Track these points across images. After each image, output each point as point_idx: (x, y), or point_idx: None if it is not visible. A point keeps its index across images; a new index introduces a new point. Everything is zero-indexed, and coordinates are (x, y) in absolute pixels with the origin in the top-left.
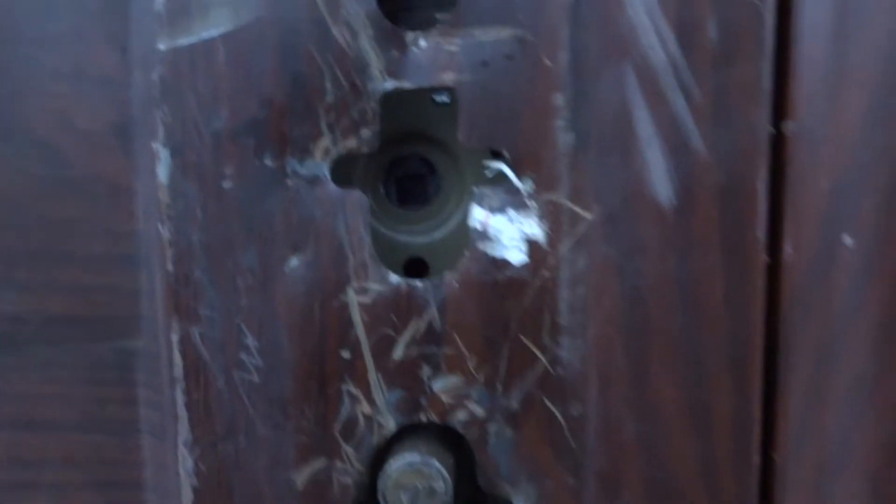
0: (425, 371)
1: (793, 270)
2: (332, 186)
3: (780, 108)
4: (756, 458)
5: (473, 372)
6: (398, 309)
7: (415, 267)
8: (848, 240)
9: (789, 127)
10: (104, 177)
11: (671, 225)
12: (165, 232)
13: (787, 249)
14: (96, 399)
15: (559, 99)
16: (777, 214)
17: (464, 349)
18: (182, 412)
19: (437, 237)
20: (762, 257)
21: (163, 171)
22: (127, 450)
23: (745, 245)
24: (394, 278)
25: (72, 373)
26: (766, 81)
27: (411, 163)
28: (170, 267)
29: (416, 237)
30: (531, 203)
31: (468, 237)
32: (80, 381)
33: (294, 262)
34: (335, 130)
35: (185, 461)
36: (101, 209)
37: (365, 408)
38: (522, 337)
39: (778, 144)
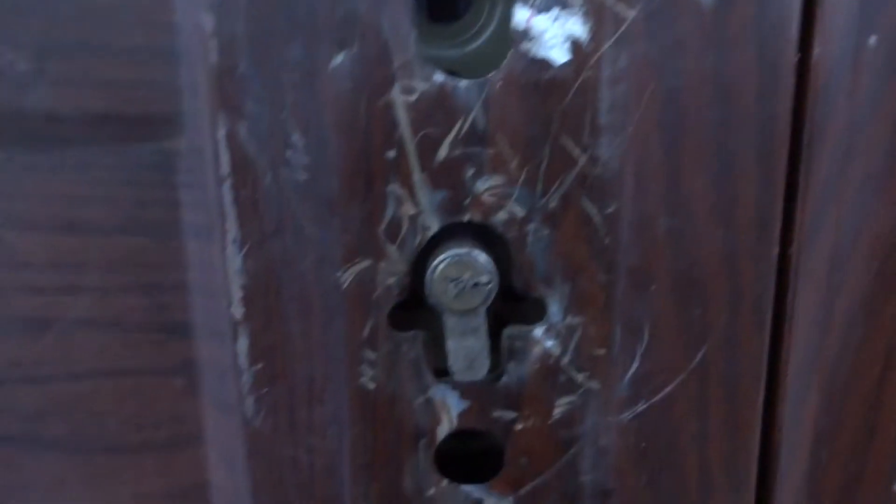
0: (468, 171)
1: (820, 69)
2: None
3: None
4: (775, 250)
5: (515, 172)
6: (443, 108)
7: None
8: (873, 40)
9: None
10: None
11: (710, 23)
12: (208, 22)
13: (817, 48)
14: (138, 200)
15: None
16: (809, 14)
17: (506, 149)
18: (230, 209)
19: (470, 50)
20: (793, 55)
21: None
22: (170, 252)
23: (779, 43)
24: (438, 77)
25: (112, 174)
26: None
27: None
28: (214, 59)
29: (449, 51)
30: (575, 1)
31: (501, 49)
32: (121, 182)
33: (339, 58)
34: None
35: (234, 259)
36: None
37: (409, 208)
38: (563, 137)
39: None
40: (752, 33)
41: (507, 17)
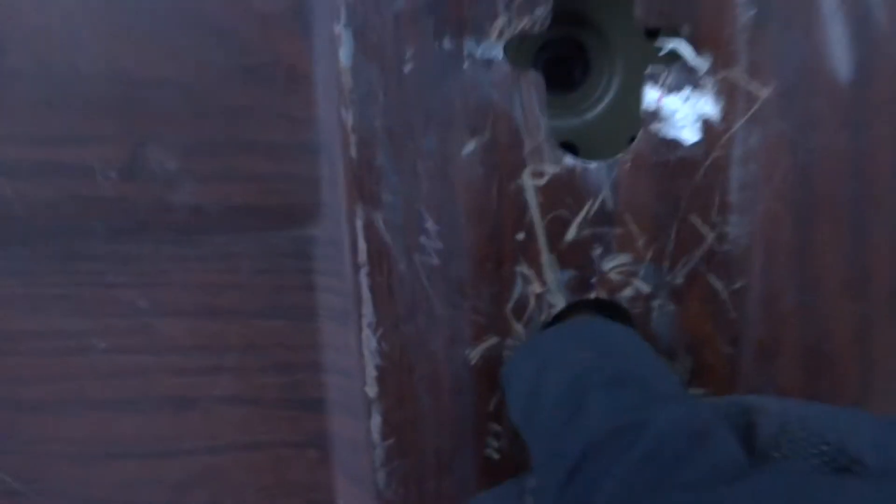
0: (596, 251)
1: None
2: (507, 67)
3: None
4: None
5: (642, 250)
6: (572, 190)
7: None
8: None
9: None
10: (282, 62)
11: (847, 99)
12: (348, 117)
13: None
14: (275, 286)
15: None
16: None
17: (634, 228)
18: (366, 295)
19: (586, 120)
20: None
21: (345, 54)
22: (306, 334)
23: None
24: (569, 160)
25: (251, 262)
26: None
27: (562, 45)
28: (353, 153)
29: (565, 121)
30: (707, 81)
31: (617, 120)
32: (260, 270)
33: (471, 145)
34: (511, 9)
35: (370, 342)
36: (280, 96)
37: (536, 287)
38: (691, 215)
39: None
40: (891, 107)
41: (625, 85)
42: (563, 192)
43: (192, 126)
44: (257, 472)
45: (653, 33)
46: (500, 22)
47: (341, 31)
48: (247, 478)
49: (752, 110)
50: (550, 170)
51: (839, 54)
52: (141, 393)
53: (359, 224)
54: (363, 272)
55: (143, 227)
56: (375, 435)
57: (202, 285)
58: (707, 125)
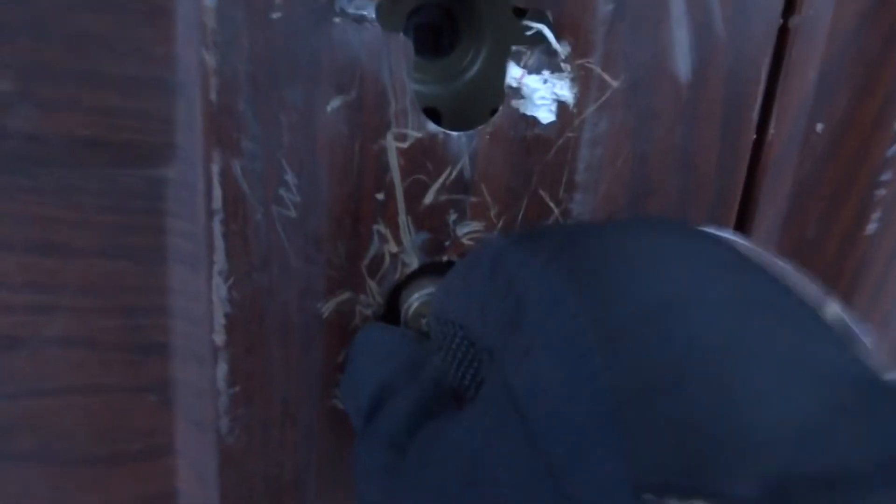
0: (451, 216)
1: (771, 148)
2: (378, 28)
3: (790, 2)
4: None
5: (494, 219)
6: (433, 157)
7: (428, 116)
8: (820, 126)
9: (795, 21)
10: None
11: (684, 98)
12: (210, 59)
13: (771, 130)
14: (121, 226)
15: None
16: (768, 98)
17: (488, 198)
18: (219, 243)
19: (451, 89)
20: (752, 135)
21: None
22: (152, 276)
23: (741, 123)
24: (432, 127)
25: (95, 199)
26: None
27: (433, 12)
28: (213, 96)
29: (430, 87)
30: (565, 66)
31: (481, 91)
32: (105, 207)
33: (337, 102)
34: None
35: (220, 289)
36: (136, 28)
37: (392, 247)
38: (541, 191)
39: (781, 36)
40: (720, 111)
41: (491, 58)
42: (424, 158)
43: (31, 48)
44: (91, 417)
45: (521, 12)
46: None
47: None
48: (80, 422)
49: (603, 98)
50: (413, 134)
51: (681, 56)
52: None
53: (215, 170)
54: (217, 219)
55: None
56: (221, 382)
57: (38, 219)
58: (562, 107)
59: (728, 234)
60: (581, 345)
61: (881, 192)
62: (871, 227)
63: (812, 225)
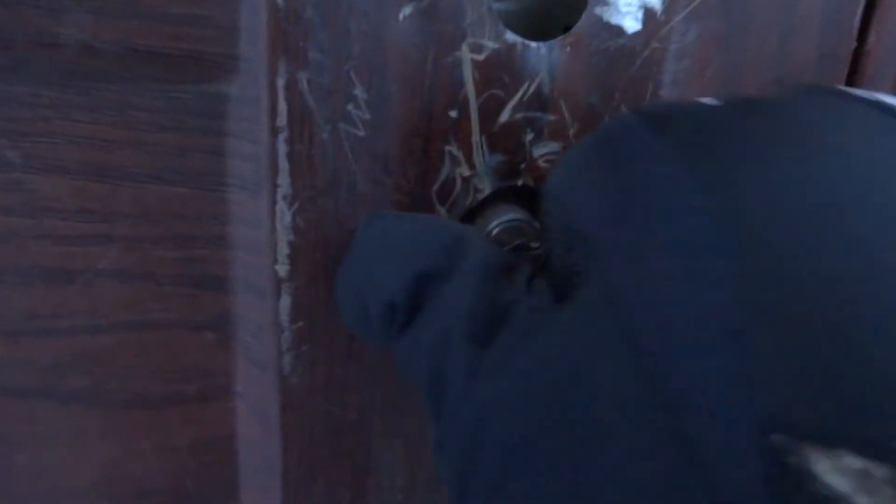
0: (528, 136)
1: (871, 58)
2: None
3: None
4: None
5: (573, 139)
6: (510, 70)
7: None
8: None
9: None
10: None
11: (779, 6)
12: None
13: (871, 38)
14: (178, 148)
15: None
16: (869, 4)
17: (567, 116)
18: (283, 163)
19: (523, 4)
20: (852, 44)
21: None
22: (211, 204)
23: (841, 31)
24: (510, 36)
25: (151, 117)
26: None
27: None
28: (279, 1)
29: (505, 3)
30: None
31: (556, 6)
32: (161, 127)
33: (409, 8)
34: None
35: (283, 216)
36: None
37: (464, 170)
38: (624, 107)
39: None
40: (818, 18)
41: None
42: (501, 71)
43: None
44: (147, 355)
45: None
46: None
47: None
48: (134, 361)
49: (693, 4)
50: (490, 45)
51: None
52: (10, 261)
53: (280, 83)
54: (282, 138)
55: (20, 63)
56: (284, 317)
57: (90, 139)
58: (649, 14)
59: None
60: (703, 246)
61: None
62: None
63: None
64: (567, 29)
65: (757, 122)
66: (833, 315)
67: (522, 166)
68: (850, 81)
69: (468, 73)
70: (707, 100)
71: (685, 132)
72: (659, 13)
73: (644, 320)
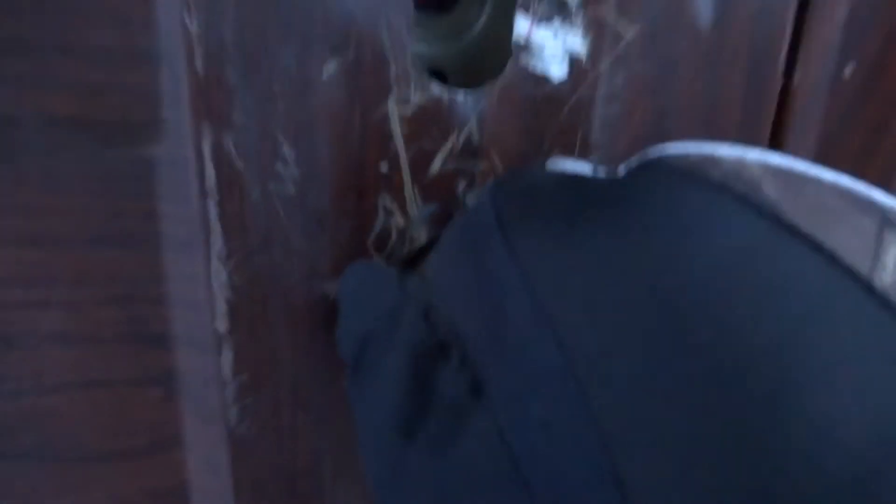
0: (460, 185)
1: (798, 94)
2: None
3: None
4: None
5: None
6: (439, 121)
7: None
8: (849, 70)
9: None
10: None
11: (705, 46)
12: (193, 26)
13: (797, 75)
14: (110, 212)
15: None
16: (794, 41)
17: (499, 163)
18: (215, 225)
19: (456, 47)
20: (779, 81)
21: None
22: (146, 264)
23: (768, 69)
24: (435, 88)
25: (80, 184)
26: None
27: None
28: (199, 67)
29: (434, 46)
30: (576, 17)
31: (488, 49)
32: (91, 192)
33: (333, 65)
34: None
35: (219, 274)
36: None
37: (399, 221)
38: (554, 152)
39: None
40: (745, 58)
41: (496, 13)
42: (429, 123)
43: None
44: (95, 412)
45: None
46: None
47: None
48: (83, 418)
49: (618, 50)
50: (416, 98)
51: (701, 1)
52: None
53: (206, 146)
54: (211, 200)
55: None
56: (227, 370)
57: (22, 209)
58: (574, 62)
59: (755, 157)
60: (567, 386)
61: None
62: None
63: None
64: (501, 69)
65: (607, 232)
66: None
67: (456, 214)
68: (779, 117)
69: (396, 127)
70: (576, 167)
71: (534, 235)
72: (584, 61)
73: (530, 468)
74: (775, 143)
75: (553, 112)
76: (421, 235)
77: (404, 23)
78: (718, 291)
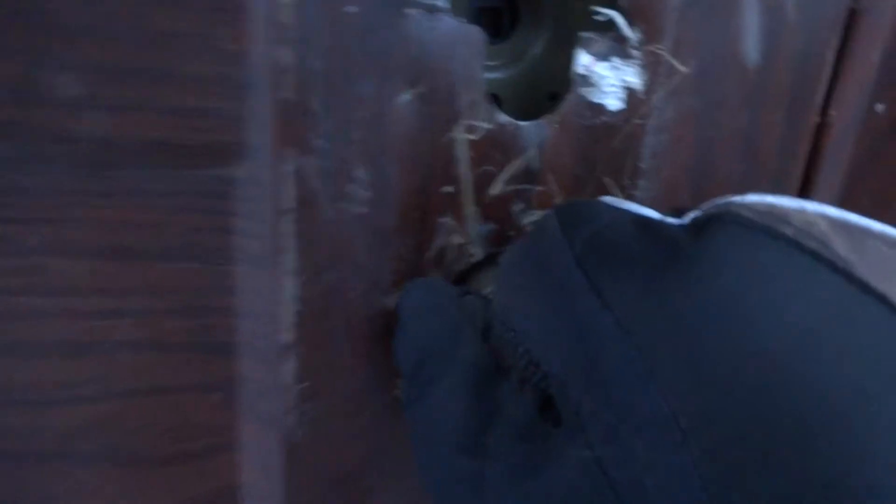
0: (517, 206)
1: (831, 130)
2: (450, 19)
3: None
4: None
5: None
6: (502, 147)
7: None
8: (880, 107)
9: (862, 2)
10: None
11: (751, 83)
12: (286, 56)
13: (832, 112)
14: (188, 228)
15: None
16: (832, 81)
17: (554, 187)
18: (289, 242)
19: (511, 73)
20: (815, 118)
21: None
22: (218, 277)
23: (806, 106)
24: (503, 118)
25: (163, 200)
26: None
27: None
28: (287, 94)
29: (490, 71)
30: (635, 53)
31: (540, 76)
32: (172, 209)
33: (408, 95)
34: None
35: (290, 289)
36: (208, 25)
37: (458, 238)
38: (606, 177)
39: (848, 17)
40: (786, 96)
41: (551, 42)
42: (493, 149)
43: (100, 49)
44: (157, 417)
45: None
46: None
47: None
48: (145, 422)
49: (672, 85)
50: (484, 126)
51: (751, 41)
52: (29, 336)
53: (286, 169)
54: (287, 219)
55: (42, 156)
56: (289, 378)
57: (106, 223)
58: (630, 94)
59: (814, 209)
60: (672, 433)
61: None
62: None
63: (867, 205)
64: (553, 95)
65: (677, 276)
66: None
67: (512, 233)
68: (813, 149)
69: (463, 152)
70: (633, 210)
71: (623, 285)
72: (640, 93)
73: (631, 495)
74: (809, 174)
75: (607, 139)
76: (478, 252)
77: (476, 57)
78: (809, 354)
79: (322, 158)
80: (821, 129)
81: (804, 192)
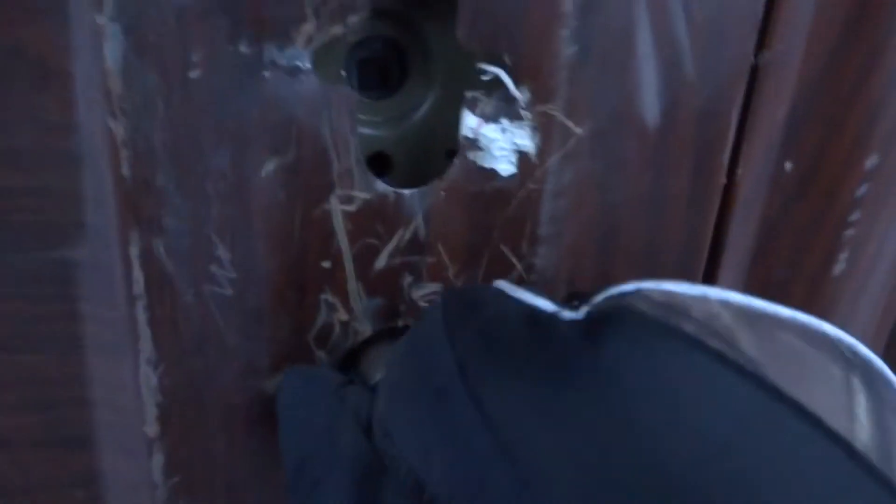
0: (406, 279)
1: (740, 189)
2: (315, 80)
3: (761, 38)
4: None
5: (453, 279)
6: (384, 218)
7: (377, 162)
8: (789, 165)
9: (765, 57)
10: (27, 52)
11: (652, 144)
12: (119, 129)
13: (739, 170)
14: (30, 316)
15: (568, 5)
16: (738, 139)
17: (445, 258)
18: (144, 330)
19: (401, 130)
20: (722, 178)
21: (112, 54)
22: (68, 367)
23: (712, 166)
24: (381, 186)
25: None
26: (760, 10)
27: (378, 45)
28: (126, 171)
29: (379, 128)
30: (525, 114)
31: (435, 130)
32: (7, 296)
33: (271, 165)
34: (321, 14)
35: (148, 378)
36: (25, 93)
37: (342, 315)
38: (503, 246)
39: (750, 74)
40: (690, 157)
41: (444, 95)
42: (374, 220)
43: None
44: None
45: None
46: (308, 27)
47: (106, 24)
48: None
49: (566, 147)
50: (361, 196)
51: (649, 99)
52: None
53: (134, 252)
54: (140, 305)
55: None
56: (157, 474)
57: None
58: (523, 158)
59: (717, 296)
60: None
61: (850, 232)
62: (838, 268)
63: (779, 266)
64: (451, 153)
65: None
66: None
67: (402, 308)
68: (722, 210)
69: (339, 225)
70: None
71: (505, 395)
72: (532, 156)
73: None
74: (718, 236)
75: (501, 206)
76: (365, 328)
77: (347, 120)
78: (715, 475)
79: (175, 238)
80: (729, 190)
81: (715, 254)
